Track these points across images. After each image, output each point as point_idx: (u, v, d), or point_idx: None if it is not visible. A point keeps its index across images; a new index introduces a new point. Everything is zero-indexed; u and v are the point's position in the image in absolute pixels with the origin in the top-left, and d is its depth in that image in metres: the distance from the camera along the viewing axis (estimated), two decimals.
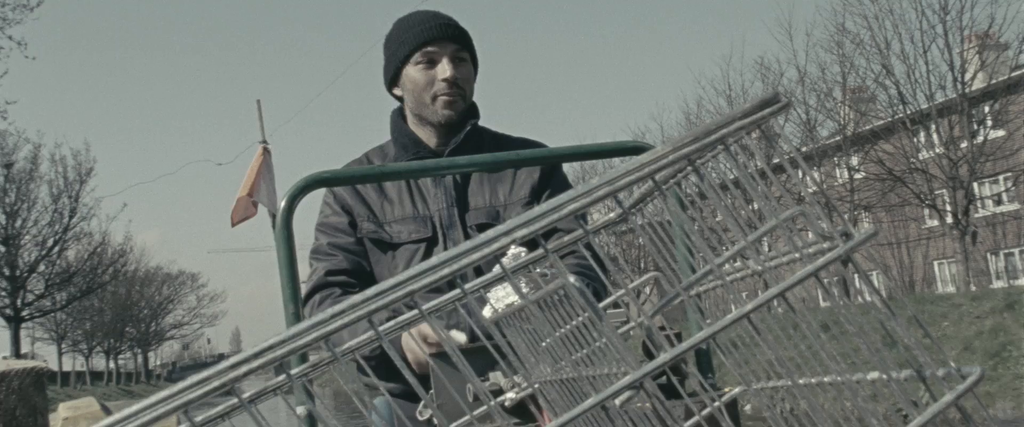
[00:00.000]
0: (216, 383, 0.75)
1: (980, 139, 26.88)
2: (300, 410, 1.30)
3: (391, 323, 0.98)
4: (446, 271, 0.75)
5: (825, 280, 0.81)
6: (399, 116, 2.48)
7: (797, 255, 0.82)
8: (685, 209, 1.25)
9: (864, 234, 0.76)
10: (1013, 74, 27.04)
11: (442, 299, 0.97)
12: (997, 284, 28.48)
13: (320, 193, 2.40)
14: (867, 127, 29.08)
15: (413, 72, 2.35)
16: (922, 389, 0.83)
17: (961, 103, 26.51)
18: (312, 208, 2.39)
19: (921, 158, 27.60)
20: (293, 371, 0.99)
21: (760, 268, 0.83)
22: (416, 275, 0.75)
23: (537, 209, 0.75)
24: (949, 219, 27.19)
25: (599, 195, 0.75)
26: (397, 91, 2.45)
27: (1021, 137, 28.08)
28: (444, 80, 2.32)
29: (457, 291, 0.91)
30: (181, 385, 0.74)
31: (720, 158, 0.85)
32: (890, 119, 28.19)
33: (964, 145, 26.78)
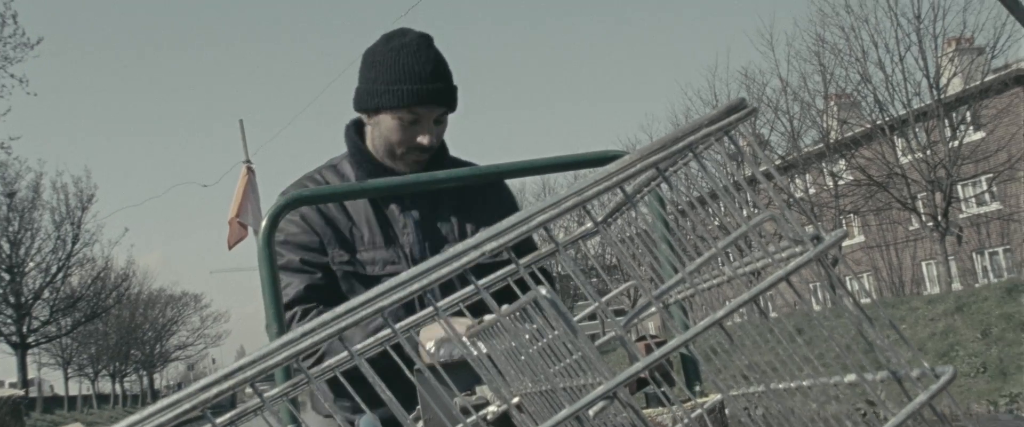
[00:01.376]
0: (187, 405, 0.72)
1: (955, 143, 27.02)
2: None
3: (369, 340, 0.96)
4: (416, 286, 0.73)
5: (798, 284, 0.79)
6: (356, 133, 2.38)
7: (770, 260, 0.80)
8: (662, 218, 1.24)
9: (834, 237, 0.75)
10: (986, 79, 27.19)
11: (416, 317, 0.95)
12: (982, 283, 28.53)
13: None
14: (848, 134, 29.22)
15: (391, 122, 2.25)
16: (882, 391, 0.82)
17: (937, 108, 26.66)
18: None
19: (901, 163, 27.71)
20: (272, 392, 0.97)
21: (732, 275, 0.81)
22: (386, 291, 0.73)
23: (506, 221, 0.73)
24: (929, 222, 27.30)
25: (567, 206, 0.74)
26: (366, 119, 2.34)
27: (997, 139, 28.23)
28: (421, 145, 2.25)
29: (430, 309, 0.89)
30: (152, 408, 0.72)
31: (695, 167, 0.84)
32: (869, 126, 28.33)
33: (941, 149, 26.92)
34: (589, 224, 1.10)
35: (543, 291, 0.76)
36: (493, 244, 0.73)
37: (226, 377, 0.72)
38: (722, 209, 0.81)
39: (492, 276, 0.96)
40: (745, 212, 0.79)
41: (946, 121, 26.86)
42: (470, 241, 0.72)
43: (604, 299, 0.78)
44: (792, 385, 0.91)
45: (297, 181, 2.38)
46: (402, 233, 2.27)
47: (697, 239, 0.88)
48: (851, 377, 0.83)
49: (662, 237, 1.30)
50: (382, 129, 2.28)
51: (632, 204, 0.77)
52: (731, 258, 0.83)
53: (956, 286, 27.29)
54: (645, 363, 0.66)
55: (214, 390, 0.72)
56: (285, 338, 0.73)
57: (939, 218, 26.89)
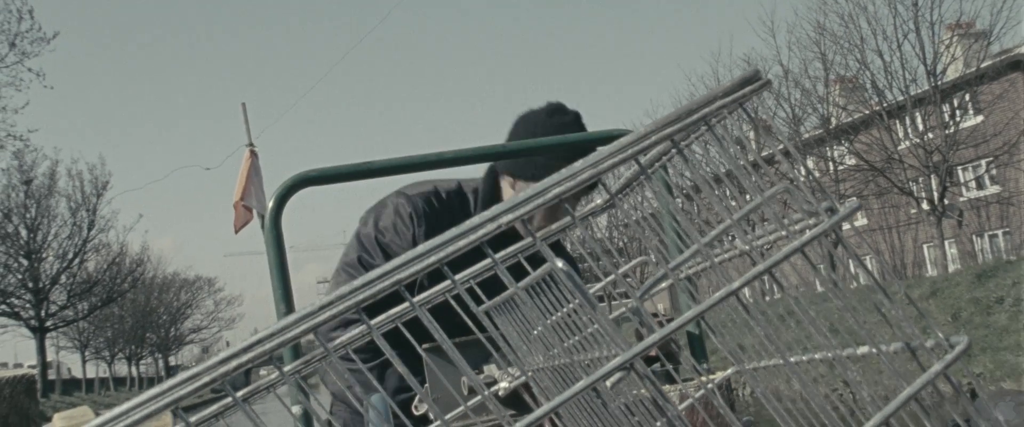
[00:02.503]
0: (206, 379, 0.71)
1: (952, 129, 26.95)
2: (296, 409, 1.27)
3: (382, 316, 0.95)
4: (433, 259, 0.72)
5: (813, 257, 0.77)
6: (494, 180, 2.37)
7: (784, 233, 0.79)
8: (672, 192, 1.22)
9: (848, 208, 0.73)
10: (983, 65, 27.06)
11: (433, 290, 0.94)
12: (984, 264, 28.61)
13: (306, 193, 2.30)
14: (847, 120, 29.15)
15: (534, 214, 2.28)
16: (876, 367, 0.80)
17: (934, 95, 26.54)
18: (301, 208, 2.28)
19: (899, 149, 27.66)
20: (286, 368, 0.96)
21: (747, 247, 0.80)
22: (403, 264, 0.72)
23: (522, 194, 0.72)
24: (926, 206, 27.29)
25: (582, 177, 0.72)
26: (510, 182, 2.33)
27: (994, 124, 28.15)
28: (546, 226, 2.29)
29: (447, 282, 0.88)
30: (170, 382, 0.71)
31: (708, 144, 0.82)
32: (867, 112, 28.26)
33: (931, 136, 26.87)
34: (599, 200, 1.08)
35: (560, 263, 0.75)
36: (509, 216, 0.71)
37: (245, 350, 0.71)
38: (735, 183, 0.79)
39: (509, 249, 0.95)
40: (758, 184, 0.77)
41: (943, 107, 26.76)
42: (486, 213, 0.71)
43: (620, 271, 0.76)
44: (804, 358, 0.90)
45: (408, 187, 2.34)
46: None
47: (707, 215, 0.87)
48: (864, 349, 0.81)
49: (672, 212, 1.29)
50: (509, 191, 2.30)
51: (647, 176, 0.75)
52: (744, 233, 0.82)
53: (956, 268, 27.29)
54: (664, 333, 0.65)
55: (233, 363, 0.71)
56: (303, 311, 0.71)
57: (936, 202, 26.87)
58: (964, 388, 0.74)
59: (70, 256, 41.97)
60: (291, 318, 0.71)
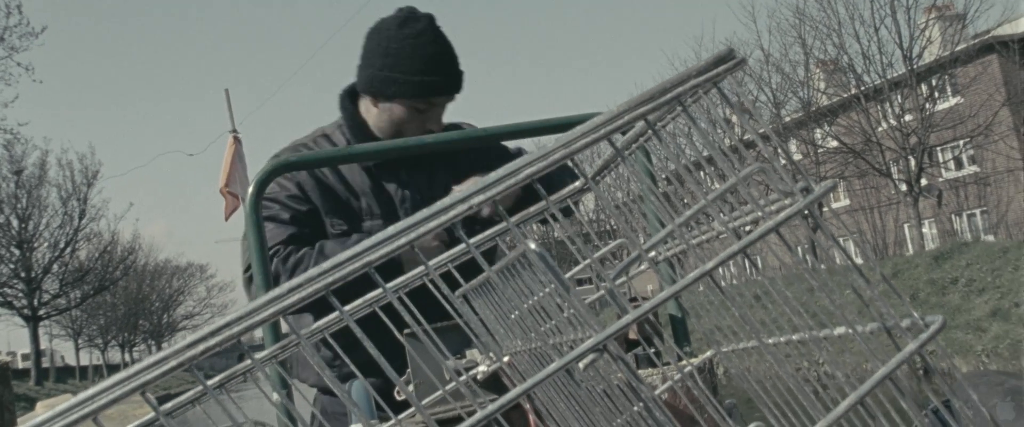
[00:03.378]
0: (173, 363, 0.69)
1: (928, 112, 27.09)
2: (275, 397, 1.25)
3: (358, 301, 0.93)
4: (404, 240, 0.70)
5: (788, 237, 0.76)
6: (350, 102, 2.35)
7: (760, 214, 0.77)
8: (652, 175, 1.21)
9: (823, 187, 0.71)
10: (957, 48, 27.17)
11: (408, 276, 0.92)
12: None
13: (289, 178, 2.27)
14: (825, 104, 29.28)
15: (404, 110, 2.24)
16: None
17: (910, 78, 26.65)
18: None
19: (877, 131, 27.79)
20: (261, 354, 0.93)
21: (723, 228, 0.78)
22: (373, 246, 0.70)
23: (494, 174, 0.70)
24: (904, 187, 27.48)
25: (555, 158, 0.70)
26: (372, 102, 2.30)
27: (970, 105, 28.33)
28: (431, 131, 2.24)
29: (421, 268, 0.86)
30: (138, 366, 0.69)
31: (682, 122, 0.80)
32: (845, 96, 28.38)
33: (911, 118, 27.00)
34: (576, 183, 1.06)
35: (532, 245, 0.73)
36: (480, 197, 0.69)
37: (212, 333, 0.69)
38: (713, 164, 0.78)
39: (485, 234, 0.93)
40: (733, 165, 0.75)
41: (918, 90, 26.87)
42: (457, 194, 0.69)
43: (597, 255, 0.74)
44: (781, 340, 0.88)
45: (288, 147, 2.33)
46: (400, 207, 2.25)
47: (686, 195, 0.85)
48: (841, 329, 0.80)
49: (649, 191, 1.27)
50: (392, 115, 2.26)
51: (623, 158, 0.73)
52: (721, 213, 0.80)
53: (937, 246, 27.54)
54: (637, 314, 0.63)
55: (201, 347, 0.69)
56: (272, 294, 0.69)
57: (912, 183, 27.04)
58: (940, 368, 0.73)
59: (62, 245, 41.82)
60: (259, 301, 0.69)
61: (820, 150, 30.44)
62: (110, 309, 61.20)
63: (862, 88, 27.60)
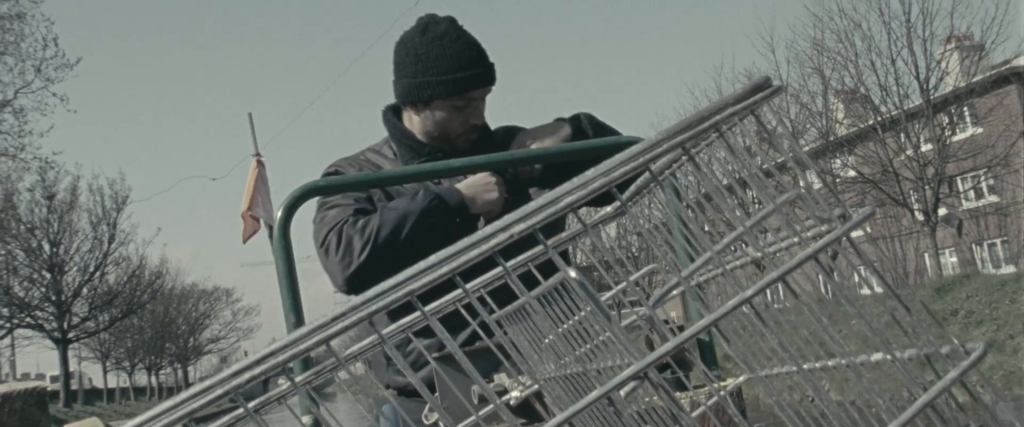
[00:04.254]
0: (219, 391, 0.69)
1: (943, 143, 26.99)
2: (306, 419, 1.25)
3: (393, 326, 0.93)
4: (445, 269, 0.70)
5: (826, 264, 0.75)
6: (395, 116, 2.36)
7: (796, 240, 0.77)
8: (682, 200, 1.20)
9: (861, 214, 0.71)
10: (974, 79, 27.05)
11: (445, 299, 0.92)
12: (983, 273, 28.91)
13: (315, 203, 2.28)
14: (843, 134, 29.20)
15: (443, 111, 2.24)
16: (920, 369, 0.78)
17: (926, 109, 26.56)
18: (308, 218, 2.26)
19: (894, 161, 27.68)
20: (300, 377, 0.94)
21: (759, 254, 0.78)
22: (415, 275, 0.70)
23: (534, 203, 0.70)
24: (920, 217, 27.37)
25: (594, 186, 0.70)
26: (414, 111, 2.31)
27: (987, 136, 28.20)
28: (476, 126, 2.25)
29: (458, 291, 0.86)
30: (184, 394, 0.69)
31: (719, 152, 0.80)
32: (862, 127, 28.32)
33: (929, 147, 26.86)
34: (609, 208, 1.06)
35: (572, 273, 0.73)
36: (521, 226, 0.69)
37: (258, 362, 0.69)
38: (743, 191, 0.77)
39: (520, 258, 0.93)
40: (770, 191, 0.75)
41: (935, 121, 26.76)
42: (498, 223, 0.69)
43: (632, 278, 0.74)
44: (817, 365, 0.87)
45: (337, 162, 2.33)
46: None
47: (718, 223, 0.85)
48: (878, 355, 0.79)
49: (682, 220, 1.27)
50: (436, 118, 2.26)
51: (658, 183, 0.73)
52: (756, 240, 0.79)
53: (958, 274, 27.41)
54: (678, 341, 0.63)
55: (246, 375, 0.69)
56: (315, 323, 0.69)
57: (929, 213, 26.89)
58: (982, 396, 0.71)
59: (91, 269, 42.10)
60: (303, 330, 0.69)
61: (838, 180, 30.33)
62: (137, 332, 61.48)
63: (879, 118, 27.49)
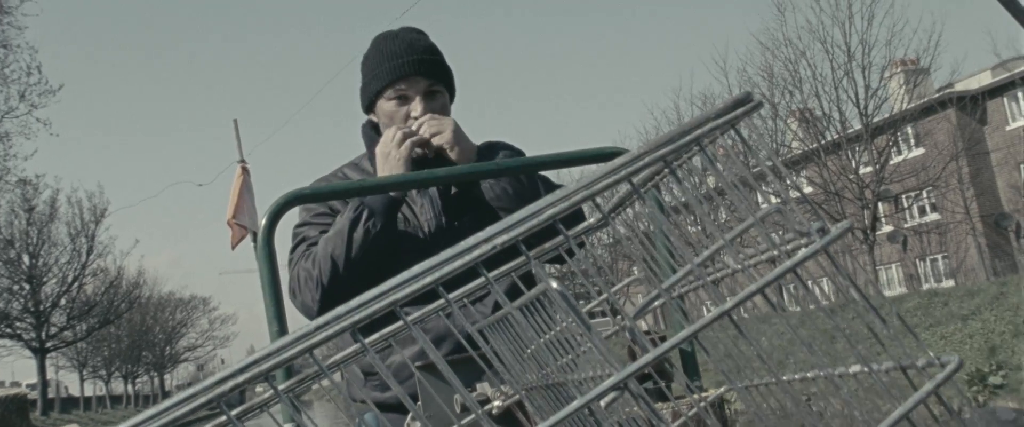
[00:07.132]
0: (203, 399, 0.68)
1: (879, 166, 27.79)
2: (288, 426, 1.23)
3: (375, 336, 0.92)
4: (428, 279, 0.69)
5: (805, 277, 0.75)
6: (373, 131, 2.30)
7: (776, 253, 0.77)
8: (664, 212, 1.19)
9: (840, 228, 0.71)
10: (907, 106, 27.88)
11: (426, 309, 0.91)
12: (925, 287, 29.94)
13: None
14: (788, 155, 29.94)
15: (386, 106, 2.19)
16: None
17: (865, 135, 27.22)
18: (293, 225, 2.23)
19: (835, 184, 28.42)
20: (283, 385, 0.92)
21: (739, 267, 0.77)
22: (398, 285, 0.69)
23: (516, 215, 0.69)
24: (861, 235, 28.07)
25: (577, 199, 0.70)
26: (373, 117, 2.28)
27: (924, 157, 29.30)
28: (412, 118, 2.16)
29: (441, 300, 0.85)
30: (166, 403, 0.68)
31: (698, 164, 0.80)
32: (805, 150, 29.00)
33: (868, 169, 27.55)
34: (591, 219, 1.06)
35: (553, 284, 0.72)
36: (504, 237, 0.69)
37: (241, 371, 0.68)
38: (727, 203, 0.77)
39: (503, 268, 0.92)
40: (751, 204, 0.75)
41: (874, 145, 27.43)
42: (481, 234, 0.68)
43: (614, 289, 0.74)
44: (796, 377, 0.87)
45: (321, 179, 2.28)
46: (421, 210, 2.17)
47: (700, 235, 0.85)
48: (856, 367, 0.79)
49: (664, 232, 1.26)
50: (383, 118, 2.22)
51: (640, 196, 0.73)
52: (736, 252, 0.79)
53: (901, 291, 28.31)
54: (659, 352, 0.62)
55: (230, 384, 0.68)
56: (298, 332, 0.68)
57: (867, 232, 27.50)
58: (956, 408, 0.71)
59: (70, 280, 41.68)
60: (287, 339, 0.68)
61: (785, 203, 30.99)
62: (114, 341, 60.81)
63: (822, 142, 28.17)
